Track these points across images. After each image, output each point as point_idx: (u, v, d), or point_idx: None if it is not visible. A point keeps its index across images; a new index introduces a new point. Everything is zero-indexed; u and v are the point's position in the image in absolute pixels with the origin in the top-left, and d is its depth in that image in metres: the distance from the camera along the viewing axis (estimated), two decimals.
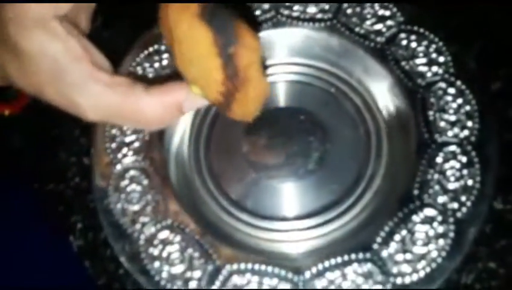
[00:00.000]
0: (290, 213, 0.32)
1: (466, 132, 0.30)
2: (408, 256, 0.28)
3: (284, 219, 0.32)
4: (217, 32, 0.22)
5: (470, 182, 0.29)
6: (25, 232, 0.32)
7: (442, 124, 0.31)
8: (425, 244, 0.28)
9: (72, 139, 0.36)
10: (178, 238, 0.29)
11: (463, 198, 0.29)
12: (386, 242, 0.28)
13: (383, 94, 0.33)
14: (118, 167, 0.31)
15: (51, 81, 0.25)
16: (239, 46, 0.23)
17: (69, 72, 0.25)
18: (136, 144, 0.32)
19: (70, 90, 0.25)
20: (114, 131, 0.32)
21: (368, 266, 0.28)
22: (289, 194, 0.32)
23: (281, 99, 0.35)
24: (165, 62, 0.34)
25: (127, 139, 0.32)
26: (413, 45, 0.33)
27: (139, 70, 0.34)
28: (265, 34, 0.35)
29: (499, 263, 0.30)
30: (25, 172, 0.36)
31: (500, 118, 0.33)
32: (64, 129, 0.36)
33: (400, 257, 0.28)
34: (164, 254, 0.29)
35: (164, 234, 0.29)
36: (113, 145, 0.32)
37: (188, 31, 0.23)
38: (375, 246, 0.28)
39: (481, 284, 0.30)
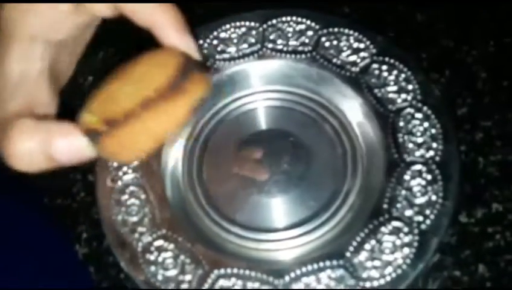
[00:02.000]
0: (275, 225, 0.35)
1: (431, 153, 0.33)
2: (376, 263, 0.31)
3: (269, 230, 0.35)
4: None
5: (433, 197, 0.32)
6: (36, 241, 0.35)
7: (410, 145, 0.34)
8: (392, 252, 0.31)
9: None
10: (172, 246, 0.32)
11: (427, 211, 0.32)
12: (357, 250, 0.31)
13: (358, 118, 0.37)
14: (119, 183, 0.35)
15: None
16: (188, 83, 0.24)
17: None
18: (135, 163, 0.36)
19: None
20: None
21: (341, 272, 0.31)
22: (274, 209, 0.35)
23: (265, 122, 0.38)
24: None
25: None
26: (385, 74, 0.36)
27: None
28: (251, 65, 0.38)
29: (463, 271, 0.33)
30: (36, 188, 0.38)
31: (466, 139, 0.37)
32: None
33: (369, 263, 0.31)
34: (159, 260, 0.32)
35: (159, 243, 0.33)
36: (115, 163, 0.36)
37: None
38: (348, 254, 0.31)
39: None
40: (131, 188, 0.35)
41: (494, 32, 0.40)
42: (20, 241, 0.34)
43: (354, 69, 0.37)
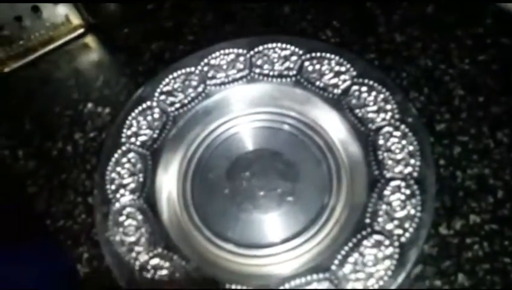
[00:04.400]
0: (265, 241, 0.37)
1: (409, 169, 0.36)
2: (360, 275, 0.33)
3: (260, 246, 0.37)
4: None
5: (412, 211, 0.34)
6: (37, 259, 0.37)
7: (390, 162, 0.36)
8: (374, 265, 0.33)
9: (78, 183, 0.41)
10: (167, 264, 0.35)
11: (406, 225, 0.34)
12: (342, 264, 0.33)
13: (341, 136, 0.39)
14: (117, 205, 0.37)
15: None
16: None
17: None
18: (132, 185, 0.38)
19: None
20: (113, 175, 0.38)
21: (326, 284, 0.32)
22: (264, 225, 0.37)
23: (254, 143, 0.40)
24: (156, 115, 0.40)
25: (124, 182, 0.38)
26: (364, 95, 0.38)
27: (134, 123, 0.40)
28: (240, 89, 0.41)
29: (444, 281, 0.35)
30: (38, 212, 0.40)
31: (445, 154, 0.39)
32: (71, 174, 0.42)
33: (352, 276, 0.33)
34: (156, 277, 0.34)
35: (155, 261, 0.35)
36: (113, 187, 0.38)
37: None
38: (333, 267, 0.33)
39: None
40: (128, 209, 0.37)
41: (469, 50, 0.42)
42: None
43: (336, 91, 0.39)
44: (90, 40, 0.49)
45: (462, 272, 0.35)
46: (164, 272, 0.34)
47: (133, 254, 0.35)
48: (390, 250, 0.33)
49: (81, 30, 0.49)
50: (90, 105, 0.45)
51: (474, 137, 0.39)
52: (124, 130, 0.40)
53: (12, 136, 0.44)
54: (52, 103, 0.46)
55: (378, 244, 0.33)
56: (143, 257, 0.35)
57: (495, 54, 0.42)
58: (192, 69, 0.42)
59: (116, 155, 0.39)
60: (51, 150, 0.43)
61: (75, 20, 0.48)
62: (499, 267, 0.34)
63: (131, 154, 0.39)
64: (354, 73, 0.39)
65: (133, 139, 0.39)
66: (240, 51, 0.42)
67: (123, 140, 0.39)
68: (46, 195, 0.41)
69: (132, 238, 0.36)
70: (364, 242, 0.34)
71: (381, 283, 0.32)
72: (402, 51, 0.43)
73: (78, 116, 0.44)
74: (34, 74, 0.48)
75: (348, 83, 0.39)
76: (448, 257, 0.35)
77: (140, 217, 0.37)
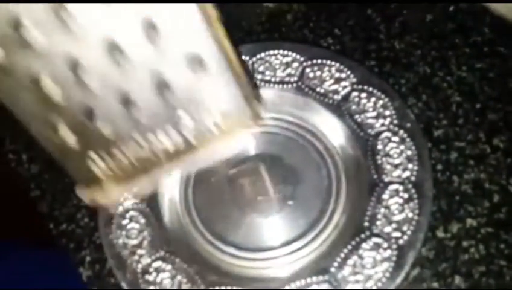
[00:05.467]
0: (267, 244, 0.37)
1: (407, 173, 0.36)
2: (359, 277, 0.33)
3: (261, 249, 0.37)
4: None
5: (410, 214, 0.35)
6: (41, 262, 0.37)
7: (388, 166, 0.37)
8: (373, 267, 0.33)
9: None
10: (169, 267, 0.35)
11: (404, 228, 0.34)
12: (341, 266, 0.34)
13: (341, 141, 0.39)
14: (120, 208, 0.38)
15: None
16: None
17: None
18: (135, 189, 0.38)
19: None
20: None
21: (326, 286, 0.33)
22: (265, 229, 0.38)
23: (255, 147, 0.41)
24: None
25: None
26: (364, 101, 0.39)
27: None
28: None
29: (441, 283, 0.35)
30: (42, 216, 0.41)
31: (442, 159, 0.40)
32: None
33: (352, 278, 0.33)
34: (158, 280, 0.35)
35: (157, 264, 0.35)
36: None
37: None
38: (333, 270, 0.34)
39: None
40: (131, 213, 0.37)
41: (467, 58, 0.43)
42: None
43: (336, 97, 0.40)
44: None
45: (458, 275, 0.35)
46: (166, 274, 0.35)
47: (136, 257, 0.36)
48: (388, 252, 0.34)
49: None
50: None
51: (470, 143, 0.40)
52: None
53: (17, 140, 0.45)
54: None
55: (376, 246, 0.34)
56: (145, 260, 0.35)
57: (492, 62, 0.43)
58: None
59: None
60: None
61: None
62: (494, 269, 0.35)
63: None
64: (354, 80, 0.40)
65: None
66: (242, 57, 0.42)
67: None
68: (49, 199, 0.42)
69: (135, 241, 0.36)
70: (363, 245, 0.34)
71: (379, 284, 0.33)
72: (401, 58, 0.44)
73: None
74: None
75: (348, 89, 0.40)
76: (445, 259, 0.36)
77: (143, 220, 0.37)
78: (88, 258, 0.39)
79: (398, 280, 0.33)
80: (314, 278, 0.34)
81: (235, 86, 0.25)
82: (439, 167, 0.39)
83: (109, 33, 0.22)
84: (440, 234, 0.37)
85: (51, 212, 0.41)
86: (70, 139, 0.25)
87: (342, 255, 0.34)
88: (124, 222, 0.37)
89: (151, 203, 0.38)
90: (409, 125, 0.38)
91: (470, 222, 0.37)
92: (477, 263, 0.35)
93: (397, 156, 0.37)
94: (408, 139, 0.37)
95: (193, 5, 0.21)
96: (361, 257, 0.34)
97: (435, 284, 0.35)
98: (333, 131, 0.40)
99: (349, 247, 0.34)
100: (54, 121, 0.24)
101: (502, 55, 0.43)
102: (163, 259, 0.35)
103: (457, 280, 0.35)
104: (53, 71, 0.23)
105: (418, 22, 0.46)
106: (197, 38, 0.22)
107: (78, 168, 0.27)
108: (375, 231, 0.35)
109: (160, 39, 0.22)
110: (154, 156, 0.27)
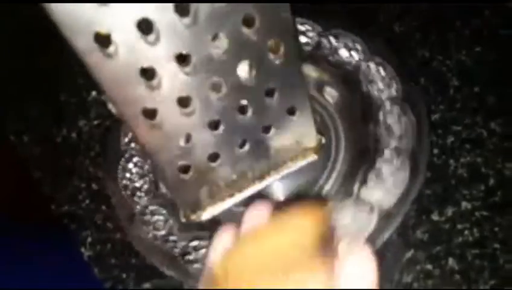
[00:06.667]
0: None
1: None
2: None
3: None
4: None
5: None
6: (44, 244, 0.38)
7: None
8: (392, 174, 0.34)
9: (82, 169, 0.42)
10: (206, 243, 0.35)
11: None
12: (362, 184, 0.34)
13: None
14: (138, 207, 0.37)
15: None
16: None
17: None
18: (145, 187, 0.38)
19: None
20: (124, 181, 0.39)
21: None
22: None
23: None
24: None
25: (137, 185, 0.38)
26: (373, 71, 0.39)
27: None
28: None
29: (435, 265, 0.36)
30: (43, 197, 0.42)
31: (438, 143, 0.40)
32: (76, 161, 0.43)
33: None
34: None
35: (194, 243, 0.36)
36: (128, 192, 0.38)
37: None
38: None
39: (419, 283, 0.36)
40: (151, 207, 0.37)
41: (466, 41, 0.43)
42: None
43: (347, 67, 0.39)
44: None
45: (452, 257, 0.36)
46: (205, 250, 0.35)
47: (170, 244, 0.36)
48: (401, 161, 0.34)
49: None
50: (94, 93, 0.46)
51: (467, 127, 0.40)
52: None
53: (19, 122, 0.46)
54: (58, 90, 0.47)
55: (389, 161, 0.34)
56: (181, 244, 0.36)
57: (492, 45, 0.42)
58: None
59: (121, 162, 0.39)
60: (56, 136, 0.44)
61: None
62: (488, 252, 0.36)
63: (135, 159, 0.39)
64: (363, 54, 0.39)
65: (133, 145, 0.40)
66: None
67: (123, 148, 0.40)
68: (50, 180, 0.43)
69: (163, 232, 0.36)
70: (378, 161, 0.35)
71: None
72: (400, 42, 0.44)
73: (83, 103, 0.45)
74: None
75: (358, 60, 0.40)
76: (439, 242, 0.37)
77: (164, 211, 0.37)
78: (89, 239, 0.40)
79: (414, 191, 0.33)
80: None
81: (313, 124, 0.30)
82: (436, 151, 0.39)
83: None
84: (435, 217, 0.37)
85: (52, 193, 0.42)
86: (188, 176, 0.27)
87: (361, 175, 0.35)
88: (147, 217, 0.37)
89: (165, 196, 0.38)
90: (412, 98, 0.37)
91: (464, 205, 0.37)
92: (470, 246, 0.36)
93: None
94: (409, 112, 0.36)
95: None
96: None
97: (429, 266, 0.36)
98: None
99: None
100: (183, 164, 0.26)
101: (502, 38, 0.43)
102: (198, 237, 0.36)
103: (451, 262, 0.36)
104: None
105: (418, 5, 0.45)
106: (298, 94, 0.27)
107: (187, 198, 0.29)
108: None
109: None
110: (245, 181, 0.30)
